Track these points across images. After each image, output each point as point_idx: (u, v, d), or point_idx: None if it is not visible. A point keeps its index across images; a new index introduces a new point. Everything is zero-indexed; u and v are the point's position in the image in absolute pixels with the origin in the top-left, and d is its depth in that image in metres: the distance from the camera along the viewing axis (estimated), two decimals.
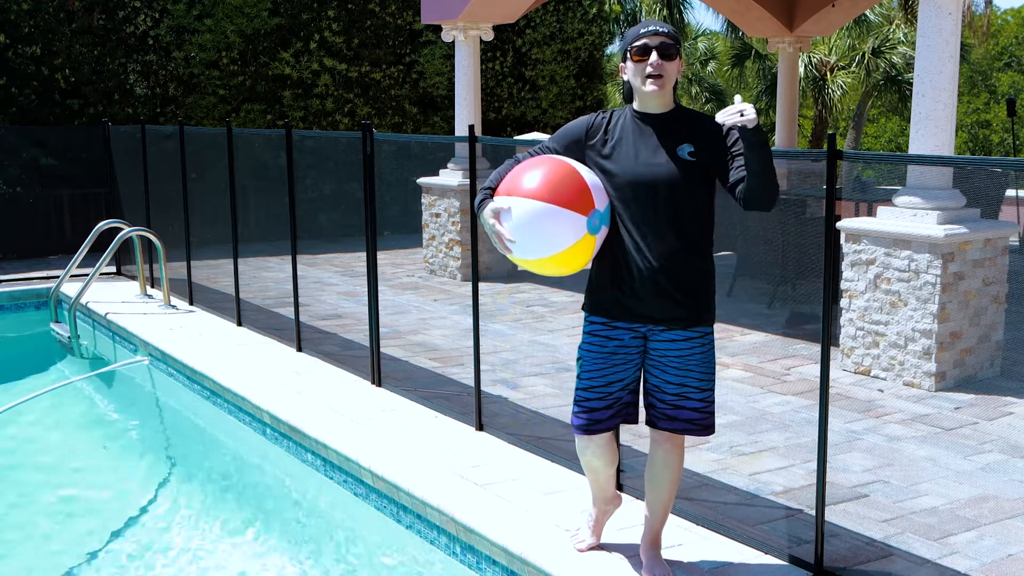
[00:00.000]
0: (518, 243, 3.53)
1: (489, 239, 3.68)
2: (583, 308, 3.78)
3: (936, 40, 6.07)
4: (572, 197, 3.48)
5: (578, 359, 3.77)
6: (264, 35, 13.72)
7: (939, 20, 6.06)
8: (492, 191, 3.66)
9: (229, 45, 13.51)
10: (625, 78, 3.63)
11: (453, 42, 10.56)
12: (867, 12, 22.24)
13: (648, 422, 3.76)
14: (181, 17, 13.19)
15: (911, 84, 16.41)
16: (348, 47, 14.22)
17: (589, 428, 3.74)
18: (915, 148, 6.20)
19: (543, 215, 3.48)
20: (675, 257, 3.54)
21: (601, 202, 3.54)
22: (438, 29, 13.39)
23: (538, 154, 3.75)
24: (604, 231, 3.57)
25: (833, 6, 12.33)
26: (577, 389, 3.76)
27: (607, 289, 3.64)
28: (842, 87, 23.89)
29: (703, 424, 3.68)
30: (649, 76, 3.53)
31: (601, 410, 3.71)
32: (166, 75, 13.28)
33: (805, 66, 23.43)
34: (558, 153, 3.70)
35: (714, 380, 3.70)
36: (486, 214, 3.58)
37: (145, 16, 13.04)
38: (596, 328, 3.70)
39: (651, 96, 3.56)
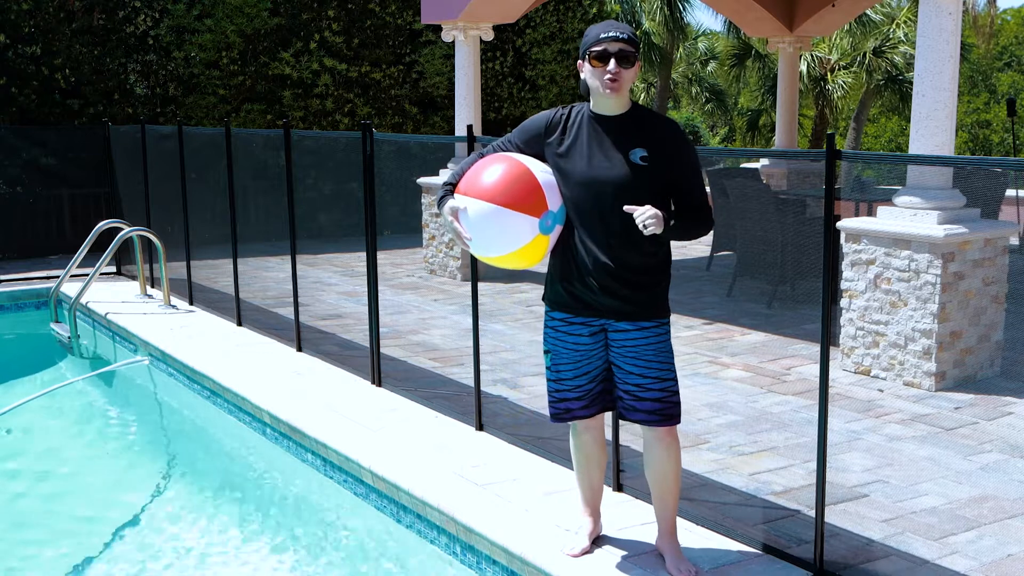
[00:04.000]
0: (475, 240, 3.68)
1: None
2: (543, 299, 3.89)
3: (936, 40, 6.07)
4: (525, 199, 3.59)
5: (546, 352, 3.88)
6: (264, 35, 13.72)
7: (939, 20, 6.05)
8: (453, 187, 3.76)
9: (229, 45, 13.51)
10: (583, 76, 3.69)
11: (453, 42, 10.56)
12: (868, 11, 22.22)
13: (619, 414, 3.89)
14: (181, 17, 13.18)
15: (912, 84, 16.38)
16: (348, 47, 14.21)
17: (562, 416, 3.91)
18: (915, 148, 6.19)
19: (496, 217, 3.61)
20: (623, 256, 3.64)
21: (554, 202, 3.65)
22: (438, 29, 13.38)
23: (501, 148, 3.84)
24: (559, 229, 3.69)
25: (833, 6, 12.32)
26: (548, 380, 3.89)
27: (560, 283, 3.77)
28: (843, 87, 23.89)
29: (666, 414, 3.75)
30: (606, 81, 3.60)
31: (572, 400, 3.87)
32: (166, 75, 13.28)
33: (807, 65, 23.43)
34: (519, 148, 3.80)
35: (674, 370, 3.77)
36: (445, 211, 3.71)
37: (145, 16, 13.03)
38: (557, 324, 3.82)
39: (607, 98, 3.64)
